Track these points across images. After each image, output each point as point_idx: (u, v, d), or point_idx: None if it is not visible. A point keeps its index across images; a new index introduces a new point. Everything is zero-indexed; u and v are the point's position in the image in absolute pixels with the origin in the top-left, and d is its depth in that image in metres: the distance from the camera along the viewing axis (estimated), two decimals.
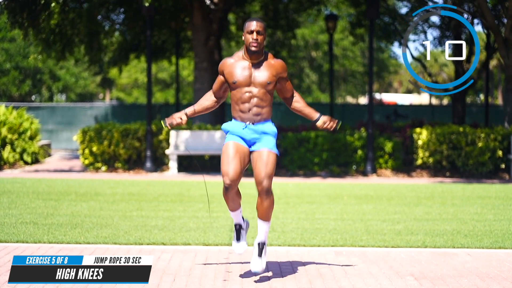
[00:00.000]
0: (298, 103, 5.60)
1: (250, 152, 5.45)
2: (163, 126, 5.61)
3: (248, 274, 5.61)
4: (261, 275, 5.55)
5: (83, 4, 18.02)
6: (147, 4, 14.94)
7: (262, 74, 5.40)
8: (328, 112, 24.08)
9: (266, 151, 5.38)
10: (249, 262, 6.04)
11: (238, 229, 5.55)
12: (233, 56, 5.52)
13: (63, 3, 16.44)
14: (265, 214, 5.40)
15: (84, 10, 17.79)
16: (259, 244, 5.43)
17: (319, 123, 5.58)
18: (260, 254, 5.41)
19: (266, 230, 5.45)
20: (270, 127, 5.47)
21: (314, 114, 5.60)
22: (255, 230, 7.56)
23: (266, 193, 5.33)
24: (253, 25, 5.38)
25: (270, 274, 5.61)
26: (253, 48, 5.37)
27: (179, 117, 5.57)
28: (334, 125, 5.56)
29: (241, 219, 5.58)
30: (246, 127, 5.41)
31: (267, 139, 5.44)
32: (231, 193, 5.32)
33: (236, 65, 5.44)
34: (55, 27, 17.28)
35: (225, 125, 5.54)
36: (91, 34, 18.89)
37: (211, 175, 15.47)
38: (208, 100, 5.63)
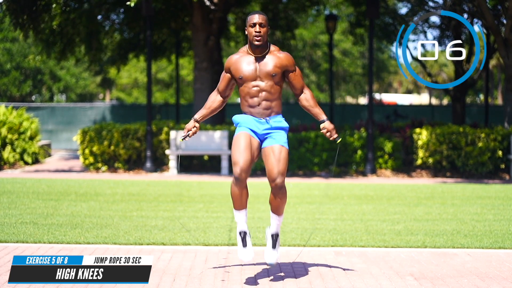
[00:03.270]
0: (307, 101, 5.52)
1: (261, 147, 5.42)
2: (181, 140, 5.57)
3: (247, 274, 5.61)
4: (261, 275, 5.56)
5: (83, 4, 18.02)
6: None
7: (267, 66, 5.38)
8: (328, 112, 24.09)
9: (278, 147, 5.34)
10: (249, 264, 6.04)
11: (243, 237, 5.38)
12: (238, 52, 5.50)
13: (63, 3, 16.46)
14: (278, 209, 5.40)
15: (84, 10, 17.80)
16: (272, 235, 5.42)
17: (320, 126, 5.54)
18: (274, 246, 5.40)
19: (279, 223, 5.45)
20: (282, 122, 5.44)
21: (320, 116, 5.51)
22: (264, 231, 7.57)
23: (279, 189, 5.31)
24: (255, 17, 5.36)
25: (270, 274, 5.61)
26: (256, 42, 5.35)
27: (193, 126, 5.53)
28: (333, 137, 5.49)
29: (246, 225, 5.40)
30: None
31: (279, 135, 5.40)
32: (241, 185, 5.22)
33: (242, 60, 5.42)
34: (57, 28, 17.30)
35: (236, 117, 5.49)
36: (91, 34, 18.90)
37: (211, 175, 15.47)
38: (214, 101, 5.60)
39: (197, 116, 5.59)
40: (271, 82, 5.38)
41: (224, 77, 5.55)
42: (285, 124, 5.46)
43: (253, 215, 8.65)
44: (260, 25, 5.35)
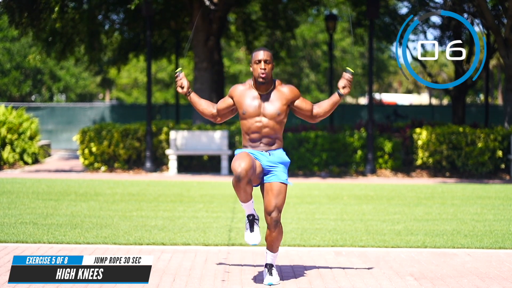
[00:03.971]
0: (320, 107, 5.50)
1: (262, 183, 5.40)
2: (178, 70, 5.57)
3: (247, 275, 5.61)
4: (261, 275, 5.56)
5: (82, 4, 18.03)
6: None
7: (272, 106, 5.35)
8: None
9: (277, 184, 5.34)
10: (249, 264, 6.05)
11: (252, 219, 5.43)
12: (244, 84, 5.45)
13: (62, 2, 16.45)
14: (273, 246, 5.39)
15: (85, 10, 17.80)
16: (266, 265, 5.43)
17: (343, 91, 5.46)
18: (271, 274, 5.39)
19: (273, 259, 5.44)
20: (284, 158, 5.42)
21: (335, 97, 5.48)
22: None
23: (275, 225, 5.30)
24: (260, 54, 5.33)
25: None
26: (261, 80, 5.31)
27: (185, 85, 5.53)
28: (349, 80, 5.45)
29: (253, 210, 5.45)
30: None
31: (280, 171, 5.38)
32: (243, 183, 5.17)
33: (246, 94, 5.39)
34: (60, 28, 17.31)
35: (239, 150, 5.41)
36: (91, 34, 18.90)
37: (210, 175, 15.47)
38: (208, 106, 5.57)
39: (192, 92, 5.56)
40: (273, 121, 5.36)
41: (226, 100, 5.51)
42: (286, 159, 5.44)
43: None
44: (265, 61, 5.32)
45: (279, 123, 5.38)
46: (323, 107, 5.52)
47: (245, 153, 5.26)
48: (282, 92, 5.40)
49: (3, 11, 17.30)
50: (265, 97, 5.37)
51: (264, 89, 5.37)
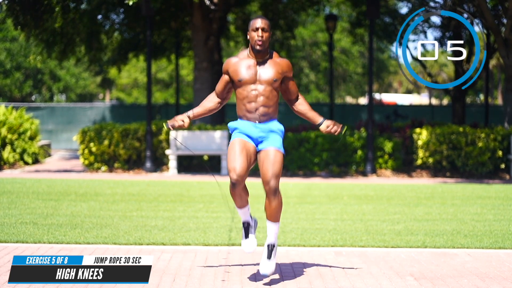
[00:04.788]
0: (302, 105, 5.55)
1: (257, 151, 5.42)
2: (165, 127, 5.58)
3: (247, 275, 5.61)
4: (261, 275, 5.55)
5: (82, 4, 18.03)
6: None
7: (268, 72, 5.38)
8: (328, 112, 24.11)
9: (273, 150, 5.33)
10: (249, 264, 6.04)
11: (247, 227, 5.49)
12: (237, 55, 5.49)
13: (63, 3, 16.46)
14: (273, 215, 5.35)
15: (86, 10, 17.81)
16: (268, 245, 5.38)
17: (322, 127, 5.51)
18: (269, 257, 5.35)
19: (276, 231, 5.39)
20: (277, 125, 5.43)
21: (318, 118, 5.53)
22: (265, 231, 7.57)
23: (273, 193, 5.28)
24: (258, 22, 5.36)
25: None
26: (258, 47, 5.35)
27: (181, 119, 5.51)
28: (339, 130, 5.49)
29: (249, 217, 5.50)
30: (255, 126, 5.38)
31: (274, 138, 5.39)
32: (238, 189, 5.24)
33: (241, 64, 5.42)
34: (58, 28, 17.31)
35: (231, 123, 5.49)
36: (91, 34, 18.91)
37: (210, 175, 15.45)
38: (211, 101, 5.59)
39: (190, 113, 5.57)
40: (270, 88, 5.38)
41: (222, 79, 5.54)
42: (280, 127, 5.45)
43: (253, 215, 8.63)
44: (263, 29, 5.35)
45: (275, 90, 5.40)
46: (304, 109, 5.54)
47: (240, 145, 5.29)
48: (278, 62, 5.43)
49: (7, 14, 17.33)
50: (261, 64, 5.40)
51: (261, 56, 5.40)
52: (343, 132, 5.56)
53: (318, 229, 7.87)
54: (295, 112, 5.62)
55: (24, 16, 16.83)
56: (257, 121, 5.39)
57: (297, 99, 5.56)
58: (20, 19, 16.95)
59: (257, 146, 5.42)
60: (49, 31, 17.68)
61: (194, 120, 17.71)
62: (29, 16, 16.82)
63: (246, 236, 5.50)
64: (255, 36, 5.35)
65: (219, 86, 5.55)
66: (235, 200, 5.35)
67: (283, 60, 5.47)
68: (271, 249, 5.37)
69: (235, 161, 5.21)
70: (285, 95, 5.56)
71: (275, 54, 5.48)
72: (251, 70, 5.39)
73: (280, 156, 5.34)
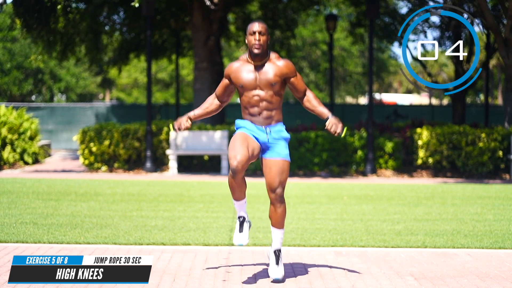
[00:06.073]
0: (309, 102, 5.51)
1: (262, 155, 5.42)
2: (172, 129, 5.60)
3: (248, 274, 5.61)
4: (261, 275, 5.56)
5: (81, 3, 18.05)
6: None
7: (266, 75, 5.37)
8: None
9: (280, 161, 5.37)
10: (249, 264, 6.04)
11: (242, 221, 5.48)
12: (238, 60, 5.48)
13: (65, 3, 16.48)
14: (279, 222, 5.40)
15: (88, 10, 17.82)
16: (275, 251, 5.41)
17: (326, 123, 5.52)
18: (277, 262, 5.39)
19: (281, 237, 5.45)
20: (283, 132, 5.44)
21: (324, 115, 5.49)
22: (265, 231, 7.56)
23: (279, 201, 5.34)
24: (255, 26, 5.36)
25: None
26: (255, 51, 5.34)
27: (186, 120, 5.55)
28: (338, 131, 5.45)
29: (245, 211, 5.52)
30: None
31: (281, 147, 5.41)
32: (238, 178, 5.22)
33: (242, 69, 5.42)
34: (61, 28, 17.34)
35: (238, 121, 5.48)
36: (95, 34, 18.92)
37: (211, 175, 15.47)
38: (211, 104, 5.61)
39: (192, 114, 5.59)
40: (271, 92, 5.38)
41: (223, 83, 5.55)
42: (286, 135, 5.46)
43: (253, 215, 8.65)
44: (260, 33, 5.34)
45: (276, 94, 5.40)
46: (312, 106, 5.52)
47: (242, 137, 5.30)
48: (277, 65, 5.42)
49: (14, 17, 17.37)
50: (260, 68, 5.40)
51: (259, 60, 5.39)
52: (342, 135, 5.56)
53: (318, 229, 7.87)
54: (305, 108, 5.63)
55: (32, 18, 16.86)
56: (261, 125, 5.40)
57: (304, 95, 5.53)
58: (30, 22, 16.98)
59: (262, 149, 5.42)
60: (50, 31, 17.69)
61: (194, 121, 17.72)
62: (34, 18, 16.84)
63: (240, 230, 5.50)
64: (252, 40, 5.35)
65: (219, 89, 5.57)
66: (234, 191, 5.35)
67: (282, 62, 5.45)
68: (278, 254, 5.41)
69: (237, 150, 5.21)
70: (294, 94, 5.57)
71: (275, 56, 5.46)
72: (250, 75, 5.39)
73: (287, 165, 5.40)
